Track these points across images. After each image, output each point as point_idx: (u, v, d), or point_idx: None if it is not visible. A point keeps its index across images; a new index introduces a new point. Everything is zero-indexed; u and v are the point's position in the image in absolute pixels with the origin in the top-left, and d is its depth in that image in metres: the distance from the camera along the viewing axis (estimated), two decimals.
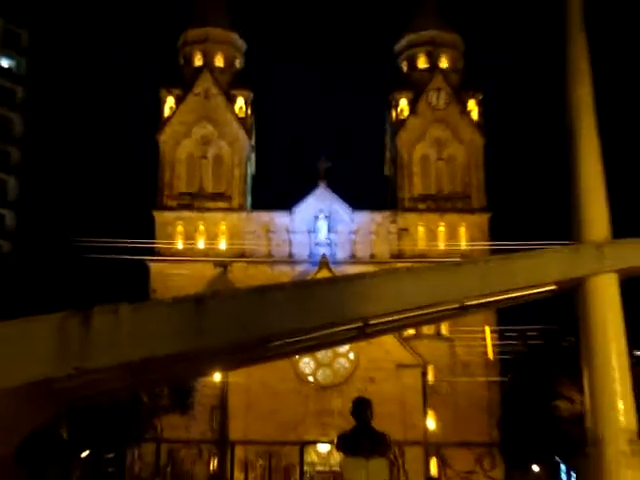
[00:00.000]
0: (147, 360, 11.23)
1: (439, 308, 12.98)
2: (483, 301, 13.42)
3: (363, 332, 13.70)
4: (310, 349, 28.87)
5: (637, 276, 13.01)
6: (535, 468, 50.40)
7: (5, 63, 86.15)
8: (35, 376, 10.59)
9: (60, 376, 10.75)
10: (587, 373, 11.70)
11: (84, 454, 43.22)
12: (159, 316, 11.73)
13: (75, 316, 10.73)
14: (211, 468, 52.11)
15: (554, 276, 12.13)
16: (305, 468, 15.24)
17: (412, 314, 12.88)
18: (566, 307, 12.21)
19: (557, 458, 51.10)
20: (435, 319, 20.67)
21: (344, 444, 11.39)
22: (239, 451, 15.74)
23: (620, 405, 11.31)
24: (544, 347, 50.96)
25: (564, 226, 12.48)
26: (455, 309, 13.60)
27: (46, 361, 10.55)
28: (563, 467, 57.79)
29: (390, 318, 12.62)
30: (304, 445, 15.14)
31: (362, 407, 11.84)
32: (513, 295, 13.18)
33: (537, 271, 12.16)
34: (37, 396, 11.41)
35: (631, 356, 12.12)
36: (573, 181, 12.24)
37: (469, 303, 12.81)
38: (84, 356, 10.61)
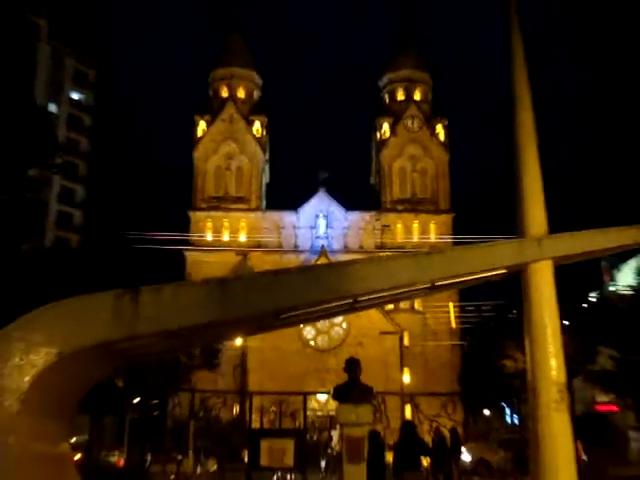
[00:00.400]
0: (182, 328, 11.14)
1: (414, 287, 12.87)
2: (449, 282, 13.30)
3: (353, 306, 13.59)
4: (312, 319, 28.80)
5: (567, 263, 12.98)
6: (486, 412, 50.43)
7: (76, 96, 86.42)
8: (97, 340, 10.51)
9: (116, 340, 10.69)
10: (528, 338, 11.60)
11: (135, 400, 43.16)
12: (191, 294, 11.64)
13: (127, 293, 10.63)
14: (234, 413, 51.94)
15: (504, 262, 12.02)
16: (308, 413, 15.20)
17: (392, 292, 12.77)
18: (513, 287, 12.15)
19: (503, 404, 51.13)
20: (410, 296, 20.64)
21: (338, 394, 11.29)
22: (255, 400, 15.77)
23: (552, 363, 11.21)
24: (495, 318, 50.87)
25: (511, 224, 12.40)
26: (426, 288, 13.49)
27: (105, 328, 10.44)
28: (507, 410, 57.91)
29: (375, 295, 12.51)
30: (306, 395, 15.09)
31: (352, 365, 11.76)
32: (472, 277, 13.07)
33: (491, 258, 12.06)
34: (99, 356, 11.32)
35: (561, 325, 12.03)
36: (517, 188, 12.14)
37: (438, 284, 12.72)
38: (134, 325, 10.51)
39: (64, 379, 11.00)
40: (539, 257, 11.61)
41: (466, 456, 32.44)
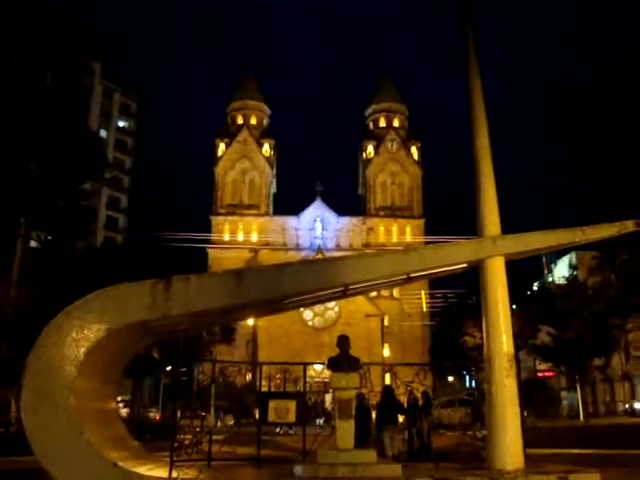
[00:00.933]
0: (205, 310, 11.14)
1: (392, 278, 12.86)
2: (421, 274, 13.31)
3: (344, 293, 13.60)
4: (310, 304, 28.78)
5: (516, 258, 12.99)
6: (450, 378, 50.46)
7: (121, 123, 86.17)
8: (137, 319, 10.52)
9: (152, 320, 10.69)
10: (484, 318, 11.60)
11: (167, 368, 43.10)
12: (213, 282, 11.64)
13: (161, 282, 10.64)
14: (246, 379, 51.80)
15: (465, 258, 12.03)
16: (307, 379, 15.12)
17: (375, 282, 12.79)
18: (472, 278, 12.18)
19: (464, 372, 51.12)
20: (390, 285, 20.60)
21: (331, 364, 11.24)
22: (264, 369, 15.58)
23: (503, 338, 11.22)
24: (458, 304, 50.90)
25: (473, 226, 12.37)
26: (403, 279, 13.50)
27: (144, 310, 10.44)
28: (467, 377, 57.99)
29: (361, 285, 12.53)
30: (306, 365, 15.03)
31: (343, 341, 11.68)
32: (440, 270, 13.06)
33: (455, 255, 12.08)
34: (138, 332, 11.33)
35: (510, 308, 12.03)
36: (476, 197, 12.15)
37: (412, 275, 12.71)
38: (166, 307, 10.51)
39: (111, 350, 11.02)
40: (493, 254, 11.63)
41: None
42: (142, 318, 10.54)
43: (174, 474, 10.03)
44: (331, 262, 12.63)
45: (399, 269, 11.93)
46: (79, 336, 10.18)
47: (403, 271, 12.05)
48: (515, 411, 10.96)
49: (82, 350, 10.08)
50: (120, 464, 9.88)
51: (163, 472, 10.17)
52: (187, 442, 12.48)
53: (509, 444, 10.69)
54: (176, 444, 11.29)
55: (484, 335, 11.66)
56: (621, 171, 21.71)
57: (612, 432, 27.78)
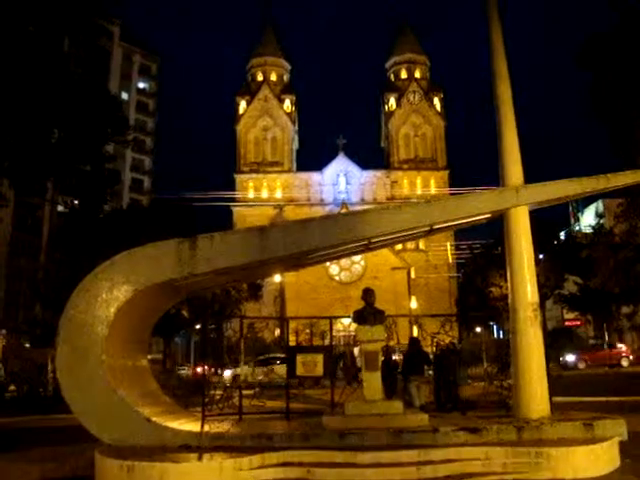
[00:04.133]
0: (230, 267, 11.23)
1: (416, 230, 12.84)
2: (444, 225, 13.27)
3: (368, 247, 13.63)
4: (335, 258, 28.86)
5: (540, 207, 12.86)
6: (477, 329, 50.60)
7: (141, 85, 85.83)
8: (164, 278, 10.65)
9: (178, 278, 10.81)
10: (509, 268, 11.55)
11: (197, 326, 43.78)
12: (236, 239, 11.68)
13: (186, 241, 10.73)
14: (275, 335, 52.36)
15: (489, 208, 11.92)
16: (333, 333, 15.29)
17: (400, 235, 12.79)
18: (497, 228, 12.11)
19: (491, 322, 51.24)
20: (414, 237, 20.53)
21: (357, 317, 11.32)
22: (292, 324, 15.76)
23: (528, 287, 11.17)
24: (483, 254, 50.76)
25: (497, 177, 12.20)
26: (426, 231, 13.49)
27: (170, 269, 10.56)
28: (495, 327, 58.12)
29: (385, 237, 12.52)
30: (332, 319, 15.23)
31: (368, 294, 11.73)
32: (463, 221, 13.02)
33: (478, 205, 11.96)
34: (166, 291, 11.47)
35: (536, 257, 11.97)
36: (499, 148, 11.97)
37: (436, 227, 12.67)
38: (193, 266, 10.61)
39: (140, 309, 11.19)
40: (517, 203, 11.50)
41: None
42: (169, 277, 10.67)
43: (206, 428, 10.24)
44: (354, 216, 12.60)
45: (422, 221, 11.88)
46: (108, 297, 10.36)
47: (426, 223, 12.00)
48: (540, 359, 10.97)
49: (112, 310, 10.27)
50: (154, 419, 10.15)
51: (195, 426, 10.41)
52: (218, 397, 12.72)
53: (534, 392, 10.73)
54: (207, 399, 11.50)
55: (509, 285, 11.63)
56: None
57: (638, 379, 27.74)
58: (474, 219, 12.54)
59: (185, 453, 9.09)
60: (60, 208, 48.38)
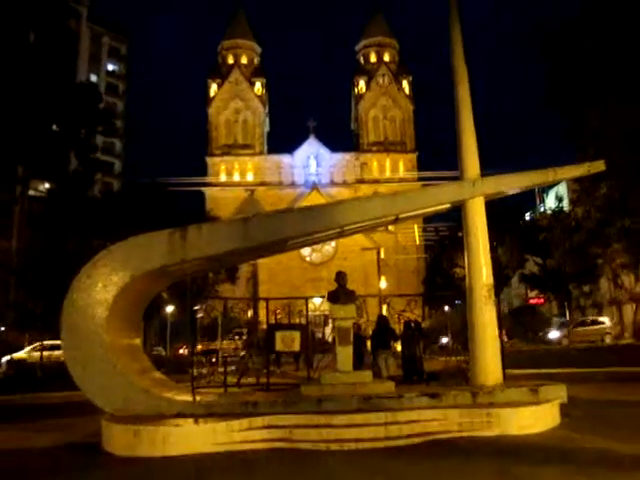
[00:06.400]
0: (217, 254, 12.34)
1: (384, 219, 14.06)
2: (409, 214, 14.56)
3: (341, 234, 14.83)
4: (312, 244, 30.05)
5: (493, 198, 14.10)
6: (446, 308, 52.34)
7: (110, 67, 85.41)
8: (158, 265, 11.73)
9: (171, 264, 11.92)
10: (467, 253, 12.76)
11: (169, 308, 44.67)
12: (223, 229, 12.90)
13: (177, 231, 11.80)
14: (249, 315, 53.45)
15: (449, 199, 13.16)
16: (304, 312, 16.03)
17: (369, 222, 13.94)
18: (460, 214, 13.28)
19: (456, 302, 52.98)
20: (381, 225, 21.68)
21: (330, 297, 12.43)
22: (270, 305, 16.60)
23: (483, 270, 12.41)
24: (449, 237, 52.31)
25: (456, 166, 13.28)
26: (393, 220, 14.74)
27: (163, 256, 11.64)
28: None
29: (356, 225, 13.66)
30: (307, 299, 15.99)
31: (340, 276, 12.80)
32: (427, 210, 14.27)
33: (439, 196, 13.23)
34: (158, 276, 12.58)
35: (501, 239, 13.22)
36: (459, 145, 13.04)
37: (401, 216, 13.90)
38: (183, 253, 11.71)
39: (135, 293, 12.34)
40: (473, 195, 12.72)
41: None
42: (162, 263, 11.77)
43: (197, 398, 11.47)
44: (328, 206, 13.83)
45: (389, 210, 13.08)
46: (107, 282, 11.45)
47: (393, 212, 13.20)
48: (494, 333, 12.33)
49: (111, 294, 11.38)
50: (151, 390, 11.38)
51: (188, 397, 11.61)
52: (204, 372, 13.98)
53: (489, 362, 12.11)
54: (196, 374, 12.73)
55: (466, 267, 12.87)
56: (594, 110, 22.64)
57: (593, 353, 29.63)
58: (435, 208, 13.83)
59: (182, 419, 10.32)
60: (31, 192, 48.60)
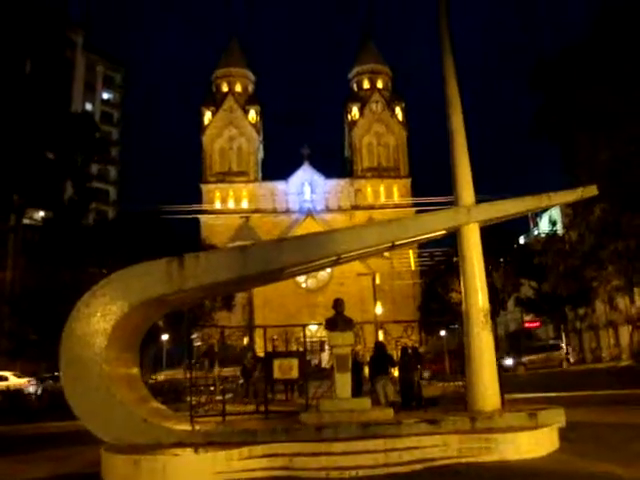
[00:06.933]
0: (215, 283, 12.41)
1: (379, 247, 14.19)
2: (405, 241, 14.67)
3: (337, 261, 14.94)
4: (309, 272, 30.06)
5: (487, 225, 14.23)
6: (442, 332, 52.25)
7: (106, 95, 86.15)
8: (156, 294, 11.79)
9: (168, 294, 11.98)
10: (462, 278, 12.87)
11: (164, 337, 44.44)
12: (220, 258, 12.97)
13: (175, 260, 11.86)
14: (244, 342, 53.39)
15: (444, 225, 13.31)
16: (301, 339, 15.84)
17: (364, 250, 14.05)
18: (455, 240, 13.37)
19: (452, 326, 52.96)
20: (377, 252, 21.74)
21: (329, 325, 12.50)
22: (261, 331, 16.55)
23: (479, 295, 12.50)
24: (444, 262, 52.58)
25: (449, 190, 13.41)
26: (389, 247, 14.87)
27: (161, 286, 11.71)
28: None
29: (352, 253, 13.77)
30: (305, 326, 15.91)
31: (338, 303, 12.83)
32: (422, 237, 14.44)
33: (434, 223, 13.37)
34: (156, 305, 12.64)
35: (496, 263, 13.32)
36: (453, 172, 13.15)
37: (397, 243, 14.02)
38: (181, 282, 11.76)
39: (133, 322, 12.38)
40: (468, 221, 12.85)
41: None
42: (160, 292, 11.83)
43: (196, 427, 11.47)
44: (325, 235, 13.92)
45: (385, 238, 13.21)
46: (106, 312, 11.50)
47: (389, 240, 13.33)
48: (491, 359, 12.39)
49: (110, 323, 11.42)
50: (149, 420, 11.37)
51: (186, 426, 11.61)
52: (203, 400, 13.96)
53: (486, 388, 12.15)
54: (194, 402, 12.72)
55: (462, 292, 12.98)
56: (587, 141, 22.97)
57: (590, 376, 29.64)
58: (431, 235, 13.97)
59: (182, 448, 10.32)
60: (26, 221, 48.65)
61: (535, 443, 10.54)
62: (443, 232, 13.74)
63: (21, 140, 29.35)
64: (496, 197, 13.98)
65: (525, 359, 42.97)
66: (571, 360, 44.11)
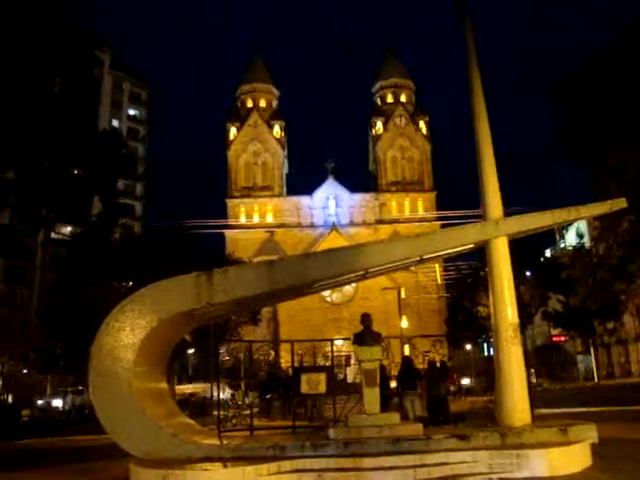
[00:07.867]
0: (243, 297, 12.43)
1: (407, 261, 14.14)
2: (433, 255, 14.61)
3: (365, 276, 14.91)
4: (336, 286, 30.00)
5: (517, 237, 14.12)
6: (468, 346, 51.70)
7: (132, 112, 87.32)
8: (184, 308, 11.85)
9: (197, 308, 12.03)
10: (491, 292, 12.77)
11: (191, 350, 44.47)
12: (249, 273, 12.99)
13: (204, 274, 11.93)
14: (270, 357, 53.06)
15: (472, 239, 13.21)
16: (328, 354, 15.76)
17: (392, 265, 14.01)
18: (484, 251, 13.28)
19: (481, 340, 52.54)
20: (405, 266, 21.69)
21: (357, 339, 12.48)
22: (287, 346, 16.55)
23: (508, 309, 12.37)
24: (471, 275, 52.11)
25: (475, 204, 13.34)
26: (417, 261, 14.80)
27: (190, 300, 11.77)
28: (485, 345, 59.47)
29: (380, 268, 13.74)
30: (332, 341, 15.83)
31: (366, 318, 12.80)
32: (450, 251, 14.33)
33: (463, 237, 13.25)
34: (185, 319, 12.69)
35: (520, 278, 13.21)
36: (481, 184, 13.10)
37: (425, 257, 13.97)
38: (210, 296, 11.79)
39: (162, 336, 12.45)
40: (497, 235, 12.74)
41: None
42: (189, 307, 11.89)
43: (224, 441, 11.48)
44: (352, 249, 13.84)
45: (413, 252, 13.16)
46: (135, 326, 11.58)
47: (417, 254, 13.28)
48: (521, 374, 12.24)
49: (139, 338, 11.49)
50: (178, 434, 11.40)
51: (214, 441, 11.61)
52: (230, 415, 13.98)
53: (516, 403, 12.00)
54: (222, 416, 12.75)
55: (491, 307, 12.84)
56: (615, 152, 22.77)
57: (620, 391, 29.14)
58: (459, 249, 13.89)
59: (210, 463, 10.33)
60: (54, 235, 49.31)
61: (567, 459, 10.37)
62: (471, 246, 13.66)
63: (51, 156, 29.93)
64: (520, 211, 13.89)
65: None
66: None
